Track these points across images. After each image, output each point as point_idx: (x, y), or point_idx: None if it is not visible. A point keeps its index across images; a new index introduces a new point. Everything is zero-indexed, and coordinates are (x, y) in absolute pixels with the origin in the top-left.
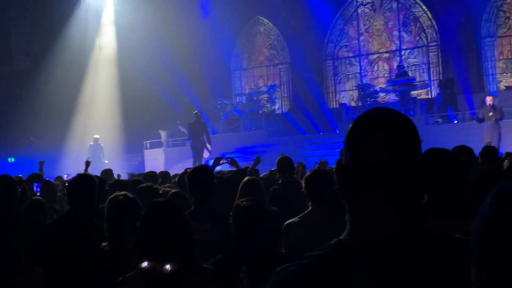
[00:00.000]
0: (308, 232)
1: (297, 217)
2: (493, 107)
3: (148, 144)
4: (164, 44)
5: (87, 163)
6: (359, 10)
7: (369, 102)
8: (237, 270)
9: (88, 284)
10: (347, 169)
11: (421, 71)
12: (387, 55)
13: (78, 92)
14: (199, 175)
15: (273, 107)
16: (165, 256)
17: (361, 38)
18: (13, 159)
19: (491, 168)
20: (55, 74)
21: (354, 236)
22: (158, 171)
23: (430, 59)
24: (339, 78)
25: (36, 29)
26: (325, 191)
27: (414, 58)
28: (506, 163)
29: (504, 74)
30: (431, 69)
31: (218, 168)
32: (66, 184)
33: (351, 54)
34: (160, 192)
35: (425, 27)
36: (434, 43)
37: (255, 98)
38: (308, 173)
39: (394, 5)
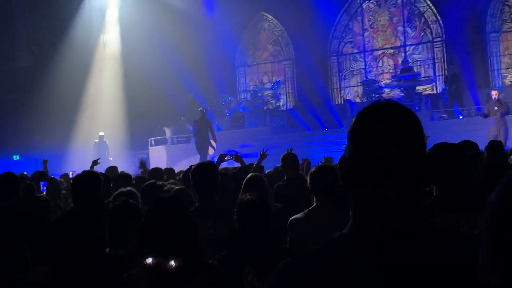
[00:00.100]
0: (313, 228)
1: (302, 213)
2: (498, 101)
3: (152, 141)
4: (168, 41)
5: (95, 163)
6: (364, 6)
7: (374, 98)
8: (242, 266)
9: (93, 281)
10: (350, 163)
11: (426, 66)
12: (391, 51)
13: (83, 89)
14: (203, 171)
15: (277, 104)
16: (170, 252)
17: (366, 34)
18: (18, 157)
19: (498, 161)
20: (59, 72)
21: (356, 230)
22: (163, 168)
23: (435, 54)
24: (344, 74)
25: (40, 26)
26: (330, 187)
27: (419, 54)
28: None
29: (510, 69)
30: (436, 65)
31: (223, 165)
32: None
33: (355, 50)
34: (165, 189)
35: (429, 23)
36: (439, 39)
37: (259, 95)
38: (313, 169)
39: (399, 0)
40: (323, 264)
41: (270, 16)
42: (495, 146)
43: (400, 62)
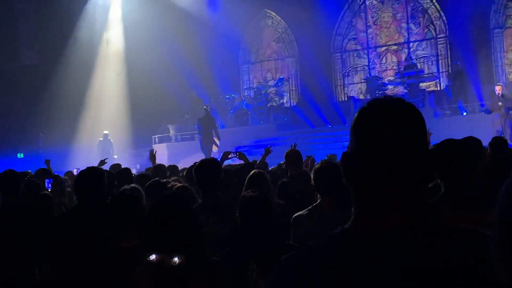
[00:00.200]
0: (317, 225)
1: (306, 209)
2: (502, 96)
3: (156, 139)
4: (172, 39)
5: (102, 162)
6: (367, 2)
7: (377, 94)
8: (245, 263)
9: (97, 278)
10: (352, 158)
11: (430, 63)
12: (395, 47)
13: (87, 87)
14: (206, 168)
15: (281, 101)
16: (173, 249)
17: (369, 30)
18: (22, 155)
19: (502, 158)
20: (63, 70)
21: (357, 226)
22: (167, 165)
23: (439, 51)
24: (347, 71)
25: (44, 25)
26: (334, 184)
27: (422, 50)
28: None
29: None
30: (440, 61)
31: (227, 162)
32: None
33: (359, 47)
34: (168, 186)
35: (433, 19)
36: (442, 35)
37: (263, 92)
38: (316, 166)
39: None
40: (324, 259)
41: (273, 13)
42: (499, 142)
43: (403, 58)
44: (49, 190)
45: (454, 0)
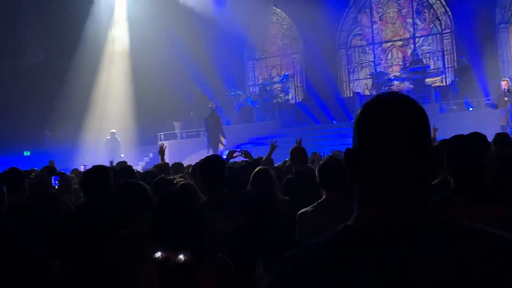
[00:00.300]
0: (322, 222)
1: (311, 206)
2: (508, 91)
3: (162, 136)
4: (177, 36)
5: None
6: None
7: (383, 90)
8: (251, 259)
9: (103, 275)
10: (355, 154)
11: (435, 58)
12: (401, 43)
13: (93, 85)
14: (211, 166)
15: (286, 97)
16: (178, 246)
17: (375, 26)
18: (28, 153)
19: (507, 152)
20: (69, 68)
21: (359, 222)
22: (172, 162)
23: (445, 46)
24: (353, 67)
25: (50, 22)
26: (338, 180)
27: (428, 46)
28: None
29: None
30: (446, 56)
31: (232, 161)
32: None
33: (364, 43)
34: (175, 182)
35: (438, 14)
36: (448, 30)
37: (268, 88)
38: (321, 162)
39: None
40: (325, 257)
41: (278, 10)
42: (502, 138)
43: (409, 54)
44: (56, 188)
45: None
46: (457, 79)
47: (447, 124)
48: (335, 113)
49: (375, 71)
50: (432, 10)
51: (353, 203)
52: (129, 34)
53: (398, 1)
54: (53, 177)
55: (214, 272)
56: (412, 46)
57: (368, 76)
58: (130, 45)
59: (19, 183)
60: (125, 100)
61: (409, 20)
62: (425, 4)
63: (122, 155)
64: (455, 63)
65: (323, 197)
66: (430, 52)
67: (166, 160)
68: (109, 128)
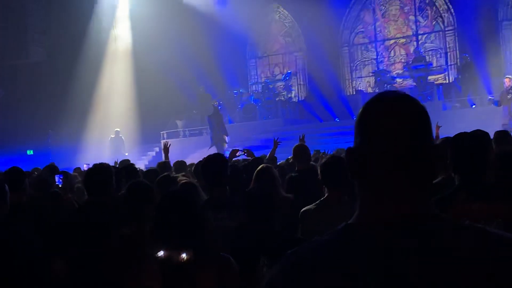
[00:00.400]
0: (324, 219)
1: (313, 204)
2: (511, 89)
3: (165, 134)
4: (179, 34)
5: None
6: None
7: (386, 88)
8: (254, 257)
9: (105, 274)
10: (357, 153)
11: (438, 55)
12: (403, 40)
13: (95, 84)
14: (212, 164)
15: (289, 95)
16: (180, 245)
17: (377, 23)
18: (31, 152)
19: (509, 150)
20: (71, 67)
21: (361, 220)
22: (175, 161)
23: (447, 43)
24: (356, 65)
25: (53, 21)
26: (341, 177)
27: (431, 43)
28: None
29: None
30: (448, 54)
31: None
32: None
33: (367, 40)
34: (178, 180)
35: (441, 11)
36: (450, 27)
37: (271, 86)
38: (323, 160)
39: None
40: (326, 254)
41: (280, 8)
42: (502, 136)
43: (412, 51)
44: (60, 186)
45: None
46: (460, 77)
47: (450, 121)
48: (337, 111)
49: (378, 68)
50: (434, 8)
51: (355, 201)
52: (131, 33)
53: None
54: (56, 176)
55: (217, 271)
56: (414, 43)
57: (371, 74)
58: (133, 44)
59: (19, 183)
60: (127, 98)
61: (412, 18)
62: (427, 1)
63: (126, 154)
64: (458, 60)
65: (326, 195)
66: (433, 49)
67: (170, 158)
68: (112, 126)
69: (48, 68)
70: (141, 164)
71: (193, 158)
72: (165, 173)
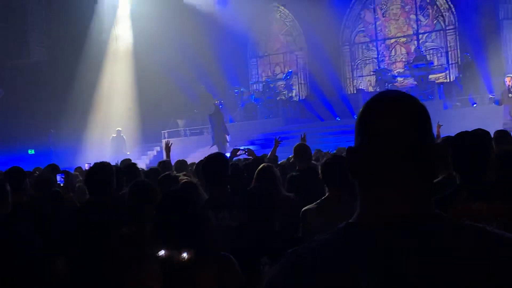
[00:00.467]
0: (325, 219)
1: (314, 203)
2: None
3: (166, 134)
4: (180, 33)
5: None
6: None
7: (387, 87)
8: (254, 257)
9: (106, 274)
10: (357, 152)
11: (439, 55)
12: (404, 39)
13: (96, 83)
14: (213, 163)
15: (290, 94)
16: (181, 244)
17: (378, 22)
18: (33, 151)
19: (510, 150)
20: (73, 66)
21: (361, 219)
22: (176, 160)
23: (448, 42)
24: (356, 64)
25: (54, 21)
26: (341, 176)
27: (431, 42)
28: None
29: None
30: (449, 53)
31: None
32: None
33: (368, 39)
34: (179, 179)
35: (442, 10)
36: (451, 26)
37: (272, 86)
38: (324, 159)
39: None
40: (327, 253)
41: (281, 7)
42: (503, 135)
43: (413, 50)
44: (61, 185)
45: None
46: (460, 76)
47: (451, 120)
48: (338, 110)
49: (379, 67)
50: (435, 6)
51: (356, 200)
52: (132, 32)
53: None
54: (58, 175)
55: (217, 270)
56: (415, 42)
57: (372, 73)
58: (134, 44)
59: (20, 183)
60: (129, 98)
61: (413, 17)
62: (428, 0)
63: (128, 153)
64: (459, 59)
65: (326, 195)
66: (434, 48)
67: (171, 158)
68: (113, 126)
69: (49, 68)
70: (142, 164)
71: (194, 157)
72: (166, 172)
